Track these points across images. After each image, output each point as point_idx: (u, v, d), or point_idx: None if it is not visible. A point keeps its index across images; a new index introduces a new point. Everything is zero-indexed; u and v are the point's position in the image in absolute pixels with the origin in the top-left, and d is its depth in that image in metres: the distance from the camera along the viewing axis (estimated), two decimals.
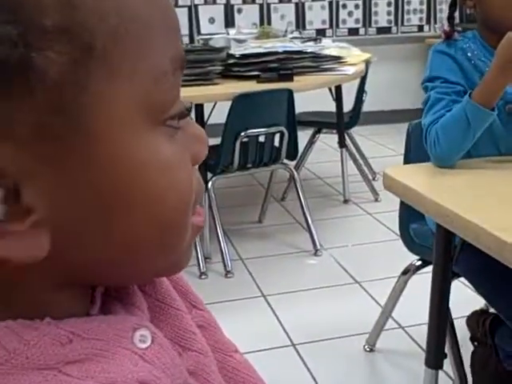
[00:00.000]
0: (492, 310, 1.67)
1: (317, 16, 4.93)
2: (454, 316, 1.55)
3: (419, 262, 1.76)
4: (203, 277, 2.48)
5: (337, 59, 2.91)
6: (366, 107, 3.55)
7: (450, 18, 1.52)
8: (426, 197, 1.22)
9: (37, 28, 0.29)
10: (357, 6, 5.02)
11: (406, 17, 5.13)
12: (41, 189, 0.31)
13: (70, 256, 0.34)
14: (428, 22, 5.17)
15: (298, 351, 1.98)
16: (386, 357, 1.95)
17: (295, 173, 2.80)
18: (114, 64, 0.32)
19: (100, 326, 0.36)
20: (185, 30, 4.61)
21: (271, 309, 2.24)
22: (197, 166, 0.39)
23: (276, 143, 2.63)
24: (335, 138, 3.33)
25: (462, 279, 1.57)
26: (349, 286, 2.41)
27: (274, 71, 2.62)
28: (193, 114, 2.56)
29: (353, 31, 5.02)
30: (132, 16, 0.32)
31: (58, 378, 0.32)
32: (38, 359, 0.33)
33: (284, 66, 2.66)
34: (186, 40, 4.57)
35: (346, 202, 3.34)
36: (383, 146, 4.35)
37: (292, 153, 2.67)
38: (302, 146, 3.07)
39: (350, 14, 5.01)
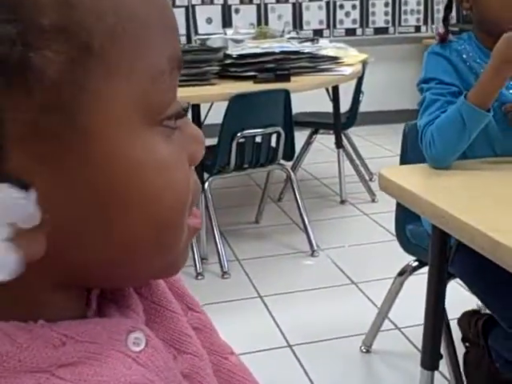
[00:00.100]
0: (484, 311, 1.68)
1: (314, 16, 4.94)
2: (449, 317, 1.56)
3: (415, 263, 1.76)
4: (200, 277, 2.48)
5: (334, 59, 2.91)
6: (363, 108, 3.55)
7: (445, 19, 1.52)
8: (421, 198, 1.23)
9: (35, 27, 0.29)
10: (354, 7, 5.02)
11: (403, 17, 5.14)
12: (37, 188, 0.31)
13: (67, 256, 0.34)
14: (425, 22, 5.18)
15: (294, 352, 1.98)
16: (383, 358, 1.96)
17: (292, 173, 2.81)
18: (111, 63, 0.32)
19: (94, 329, 0.36)
20: (182, 30, 4.60)
21: (268, 309, 2.24)
22: (193, 167, 0.39)
23: (273, 144, 2.63)
24: (332, 138, 3.33)
25: (458, 280, 1.58)
26: (345, 286, 2.41)
27: (271, 71, 2.62)
28: (189, 115, 2.55)
29: (350, 31, 5.03)
30: (129, 15, 0.32)
31: (51, 382, 0.32)
32: (31, 362, 0.32)
33: (281, 67, 2.66)
34: (183, 40, 4.55)
35: (342, 202, 3.34)
36: (380, 147, 4.35)
37: (289, 153, 2.67)
38: (298, 146, 3.08)
39: (348, 14, 5.02)
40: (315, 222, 2.92)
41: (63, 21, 0.30)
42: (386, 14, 5.10)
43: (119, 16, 0.32)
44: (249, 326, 2.13)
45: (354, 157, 3.52)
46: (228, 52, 2.72)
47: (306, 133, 3.54)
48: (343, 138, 3.37)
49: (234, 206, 3.35)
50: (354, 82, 3.30)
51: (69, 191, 0.32)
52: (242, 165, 2.56)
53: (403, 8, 5.13)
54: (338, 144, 3.31)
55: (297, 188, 2.76)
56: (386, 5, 5.09)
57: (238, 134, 2.44)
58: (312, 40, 3.29)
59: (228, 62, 2.67)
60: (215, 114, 2.73)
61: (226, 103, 2.41)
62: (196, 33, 4.62)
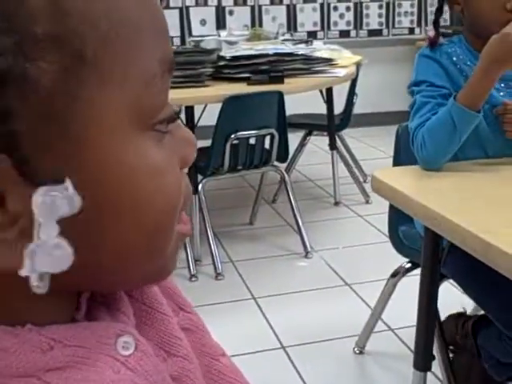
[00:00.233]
0: (477, 312, 1.68)
1: (308, 18, 4.94)
2: (442, 318, 1.56)
3: (408, 265, 1.76)
4: (193, 279, 2.47)
5: (328, 61, 2.92)
6: (357, 109, 3.56)
7: (436, 22, 1.53)
8: (413, 199, 1.23)
9: (30, 37, 0.29)
10: (348, 9, 5.03)
11: (396, 19, 5.15)
12: (28, 196, 0.31)
13: None
14: (419, 24, 5.20)
15: (287, 354, 1.98)
16: (376, 359, 1.96)
17: (286, 175, 2.81)
18: (104, 70, 0.31)
19: (83, 333, 0.35)
20: (176, 32, 4.61)
21: (261, 311, 2.24)
22: (186, 170, 0.39)
23: (266, 145, 2.63)
24: (326, 140, 3.33)
25: (451, 281, 1.58)
26: (339, 288, 2.41)
27: (265, 73, 2.62)
28: (183, 116, 2.56)
29: (344, 33, 5.04)
30: (122, 19, 0.32)
31: None
32: (17, 367, 0.32)
33: (275, 68, 2.67)
34: (177, 42, 4.57)
35: (336, 204, 3.34)
36: (374, 148, 4.36)
37: (282, 155, 2.68)
38: (292, 148, 3.08)
39: (342, 16, 5.03)
40: (309, 224, 2.92)
41: (57, 28, 0.29)
42: (380, 16, 5.12)
43: (112, 21, 0.31)
44: (242, 327, 2.13)
45: (348, 158, 3.53)
46: (222, 54, 2.72)
47: (300, 134, 3.55)
48: (337, 139, 3.37)
49: (228, 207, 3.35)
50: (347, 84, 3.31)
51: None
52: (235, 166, 2.56)
53: (397, 10, 5.14)
54: (332, 146, 3.31)
55: (291, 190, 2.76)
56: (380, 7, 5.10)
57: (232, 136, 2.44)
58: (306, 42, 3.29)
59: (222, 63, 2.67)
60: (209, 116, 2.73)
61: (219, 105, 2.41)
62: (190, 34, 4.62)
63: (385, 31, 5.14)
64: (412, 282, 1.60)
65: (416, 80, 1.47)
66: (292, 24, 4.90)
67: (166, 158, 0.35)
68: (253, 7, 4.82)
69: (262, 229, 3.04)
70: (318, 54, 2.97)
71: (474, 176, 1.37)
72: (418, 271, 1.48)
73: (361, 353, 1.98)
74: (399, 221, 1.70)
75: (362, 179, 3.51)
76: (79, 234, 0.33)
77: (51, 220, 0.30)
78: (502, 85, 1.43)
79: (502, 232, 1.03)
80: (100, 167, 0.32)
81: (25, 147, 0.30)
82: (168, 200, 0.35)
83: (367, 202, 3.31)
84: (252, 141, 2.57)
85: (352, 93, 3.40)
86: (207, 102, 2.73)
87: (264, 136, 2.58)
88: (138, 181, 0.33)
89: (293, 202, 2.76)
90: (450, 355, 1.59)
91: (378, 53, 4.91)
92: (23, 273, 0.31)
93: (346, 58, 3.17)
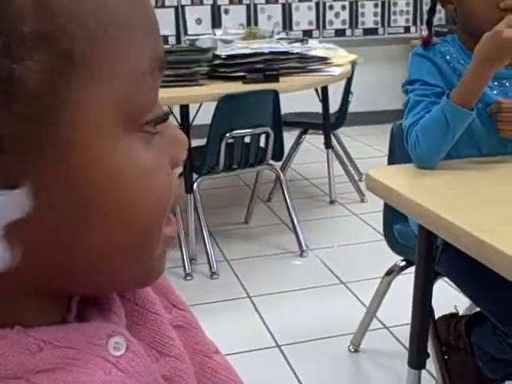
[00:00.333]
0: (471, 311, 1.69)
1: (303, 17, 4.94)
2: (436, 316, 1.57)
3: (403, 263, 1.76)
4: (188, 278, 2.47)
5: (323, 60, 2.92)
6: (352, 108, 3.56)
7: (429, 22, 1.53)
8: (407, 198, 1.23)
9: (17, 37, 0.28)
10: (344, 7, 5.03)
11: (392, 18, 5.16)
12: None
13: (45, 264, 0.33)
14: (414, 23, 5.20)
15: (282, 352, 1.98)
16: (371, 357, 1.96)
17: (281, 174, 2.81)
18: (92, 69, 0.31)
19: (73, 334, 0.35)
20: (171, 31, 4.60)
21: (256, 310, 2.25)
22: (179, 169, 0.39)
23: (262, 144, 2.63)
24: (321, 138, 3.33)
25: (446, 279, 1.58)
26: (334, 286, 2.41)
27: (260, 72, 2.62)
28: (178, 115, 2.56)
29: (339, 32, 5.04)
30: (110, 17, 0.32)
31: None
32: (6, 369, 0.32)
33: (270, 67, 2.67)
34: (172, 41, 4.56)
35: (332, 202, 3.35)
36: (370, 147, 4.36)
37: (278, 154, 2.68)
38: (288, 146, 3.08)
39: (337, 15, 5.03)
40: (304, 222, 2.92)
41: (44, 27, 0.29)
42: (376, 14, 5.12)
43: (100, 18, 0.31)
44: (237, 326, 2.13)
45: (344, 157, 3.53)
46: (217, 52, 2.72)
47: (295, 133, 3.55)
48: (332, 138, 3.37)
49: (223, 206, 3.34)
50: (343, 83, 3.31)
51: (47, 200, 0.31)
52: (230, 165, 2.56)
53: (392, 9, 5.15)
54: (327, 144, 3.31)
55: (286, 188, 2.76)
56: (376, 6, 5.11)
57: (227, 135, 2.44)
58: (301, 40, 3.29)
59: (217, 62, 2.67)
60: (204, 115, 2.73)
61: (214, 104, 2.41)
62: (185, 33, 4.61)
63: (380, 30, 5.15)
64: (407, 280, 1.60)
65: (410, 79, 1.47)
66: (287, 23, 4.90)
67: (155, 158, 0.35)
68: (248, 6, 4.82)
69: (257, 227, 3.05)
70: (313, 53, 2.97)
71: (467, 174, 1.37)
72: (412, 269, 1.48)
73: (356, 351, 1.98)
74: (394, 219, 1.71)
75: (357, 178, 3.51)
76: (63, 231, 0.32)
77: None
78: (496, 83, 1.44)
79: (495, 230, 1.04)
80: (87, 168, 0.32)
81: (7, 149, 0.29)
82: (157, 201, 0.35)
83: (362, 201, 3.32)
84: (247, 139, 2.57)
85: (347, 91, 3.40)
86: (202, 100, 2.73)
87: (259, 135, 2.58)
88: (125, 182, 0.33)
89: (288, 200, 2.76)
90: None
91: (374, 51, 4.92)
92: None
93: (341, 57, 3.17)
